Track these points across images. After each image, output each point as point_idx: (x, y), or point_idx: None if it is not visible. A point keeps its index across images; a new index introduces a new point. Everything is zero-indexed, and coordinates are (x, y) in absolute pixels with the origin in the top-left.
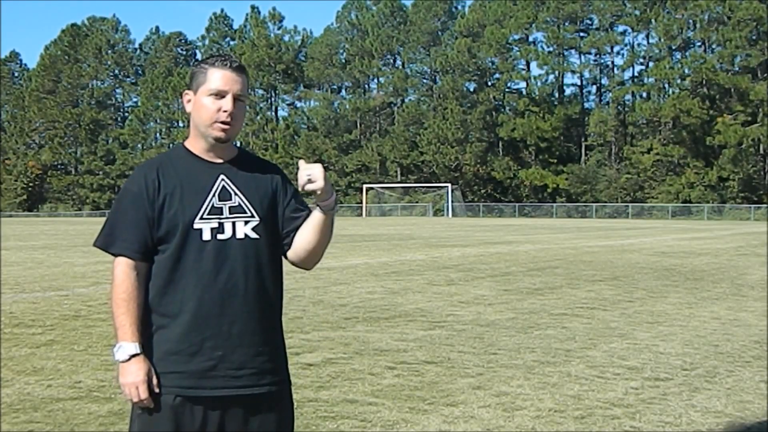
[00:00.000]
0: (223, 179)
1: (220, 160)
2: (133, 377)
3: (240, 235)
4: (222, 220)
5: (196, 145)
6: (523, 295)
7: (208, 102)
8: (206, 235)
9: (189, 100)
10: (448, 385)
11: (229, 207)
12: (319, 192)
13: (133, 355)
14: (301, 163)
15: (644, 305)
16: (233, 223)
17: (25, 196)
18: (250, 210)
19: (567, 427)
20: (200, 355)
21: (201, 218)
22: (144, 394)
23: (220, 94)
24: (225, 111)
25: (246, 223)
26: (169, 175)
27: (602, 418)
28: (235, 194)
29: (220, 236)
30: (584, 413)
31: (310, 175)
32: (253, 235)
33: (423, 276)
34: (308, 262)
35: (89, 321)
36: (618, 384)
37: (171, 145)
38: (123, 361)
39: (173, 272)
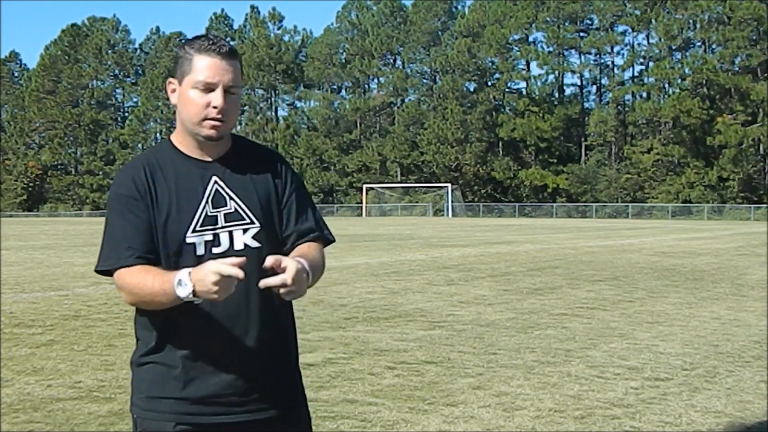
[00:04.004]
0: (216, 182)
1: (213, 158)
2: (207, 269)
3: (239, 245)
4: (217, 231)
5: (183, 141)
6: (523, 295)
7: (195, 96)
8: (200, 250)
9: (174, 90)
10: (448, 385)
11: (225, 214)
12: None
13: (190, 271)
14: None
15: (644, 305)
16: (230, 233)
17: (25, 196)
18: (248, 216)
19: (567, 427)
20: (201, 379)
21: (194, 231)
22: (227, 269)
23: (208, 87)
24: (215, 107)
25: (245, 231)
26: (158, 179)
27: (602, 418)
28: (231, 199)
29: (215, 250)
30: (584, 413)
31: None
32: (254, 244)
33: (423, 276)
34: None
35: (89, 321)
36: (618, 384)
37: None
38: (190, 289)
39: None
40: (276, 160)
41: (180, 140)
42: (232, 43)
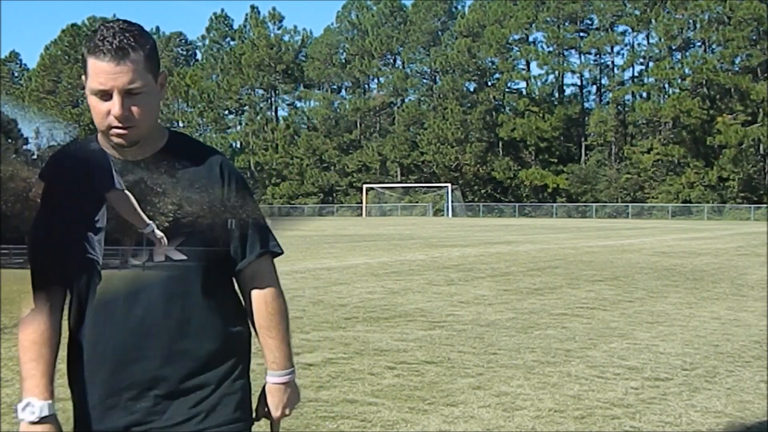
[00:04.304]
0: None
1: (139, 158)
2: None
3: (158, 257)
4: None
5: (105, 142)
6: (523, 295)
7: (95, 103)
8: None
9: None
10: (448, 385)
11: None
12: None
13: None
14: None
15: (644, 305)
16: (149, 243)
17: None
18: (173, 224)
19: (567, 427)
20: (119, 409)
21: None
22: None
23: (103, 95)
24: (115, 116)
25: (167, 241)
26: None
27: (602, 418)
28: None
29: (131, 261)
30: (584, 413)
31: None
32: (177, 256)
33: (423, 276)
34: None
35: None
36: (618, 384)
37: None
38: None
39: (79, 309)
40: (215, 162)
41: (102, 140)
42: (232, 43)
